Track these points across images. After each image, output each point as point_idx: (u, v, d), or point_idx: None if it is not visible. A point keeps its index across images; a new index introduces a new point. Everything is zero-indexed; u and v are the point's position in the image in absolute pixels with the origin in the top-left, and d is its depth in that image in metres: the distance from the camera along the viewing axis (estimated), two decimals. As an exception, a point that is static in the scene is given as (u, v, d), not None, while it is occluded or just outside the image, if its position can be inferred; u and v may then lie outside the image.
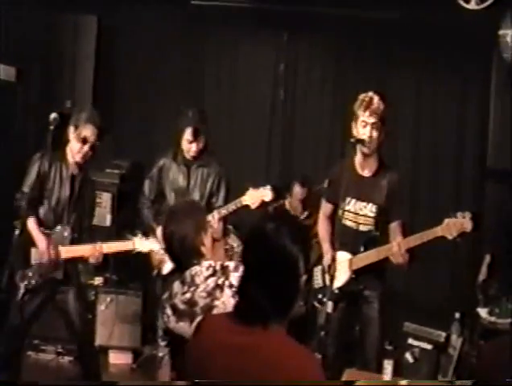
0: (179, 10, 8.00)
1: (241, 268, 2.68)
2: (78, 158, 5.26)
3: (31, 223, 5.19)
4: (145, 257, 5.75)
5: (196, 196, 5.83)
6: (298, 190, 6.95)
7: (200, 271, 3.87)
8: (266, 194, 5.59)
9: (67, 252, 5.25)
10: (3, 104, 7.09)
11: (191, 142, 5.81)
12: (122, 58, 8.23)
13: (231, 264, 3.93)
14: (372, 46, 7.85)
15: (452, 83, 7.59)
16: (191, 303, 3.83)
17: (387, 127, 5.02)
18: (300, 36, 8.00)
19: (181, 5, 7.90)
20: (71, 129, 5.24)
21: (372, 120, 4.93)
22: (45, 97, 7.40)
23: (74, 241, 5.30)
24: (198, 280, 3.85)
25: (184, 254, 3.95)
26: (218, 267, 3.89)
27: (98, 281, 6.92)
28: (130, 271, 7.01)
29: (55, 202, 5.29)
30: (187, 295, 3.85)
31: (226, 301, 3.79)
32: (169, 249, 4.02)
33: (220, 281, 3.85)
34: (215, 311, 3.77)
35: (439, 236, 4.65)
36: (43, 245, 5.17)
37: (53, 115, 5.05)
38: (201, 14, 7.93)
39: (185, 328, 3.77)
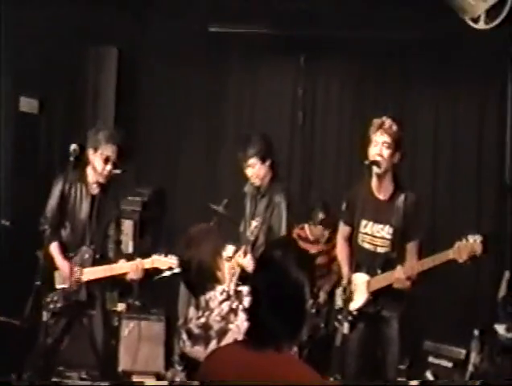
0: (197, 37, 8.10)
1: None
2: (102, 178, 5.33)
3: (54, 249, 5.28)
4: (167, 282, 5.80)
5: (255, 224, 5.65)
6: (320, 211, 6.89)
7: (215, 296, 3.93)
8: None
9: (90, 273, 5.32)
10: (27, 136, 7.24)
11: (253, 170, 5.71)
12: (144, 87, 8.34)
13: (244, 289, 3.98)
14: (389, 68, 7.88)
15: (470, 102, 7.60)
16: (205, 327, 3.89)
17: (403, 149, 5.05)
18: (317, 60, 8.04)
19: (200, 32, 8.00)
20: (90, 151, 5.29)
21: (383, 138, 4.97)
22: (68, 128, 7.50)
23: (96, 262, 5.36)
24: (212, 304, 3.90)
25: (200, 279, 4.00)
26: (232, 292, 3.95)
27: (121, 307, 7.00)
28: (153, 296, 7.08)
29: (76, 223, 5.35)
30: (202, 320, 3.91)
31: (240, 325, 3.84)
32: (185, 275, 4.08)
33: (234, 305, 3.90)
34: (229, 335, 3.83)
35: (451, 258, 4.68)
36: (65, 271, 5.26)
37: (73, 146, 5.10)
38: (219, 40, 8.04)
39: (200, 352, 3.83)
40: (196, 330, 3.90)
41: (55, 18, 7.20)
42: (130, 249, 7.13)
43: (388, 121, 5.01)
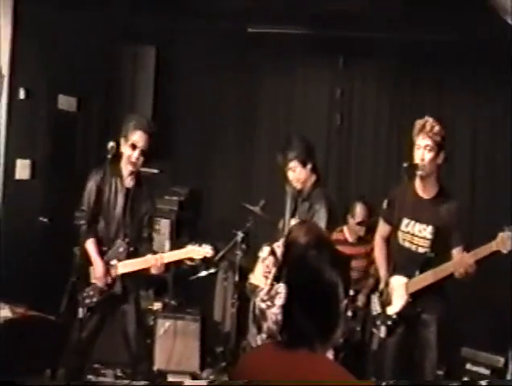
0: (236, 38, 8.10)
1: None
2: (131, 166, 5.31)
3: (90, 245, 5.28)
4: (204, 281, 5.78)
5: (295, 223, 5.58)
6: (359, 210, 6.83)
7: (281, 292, 3.84)
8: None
9: (124, 266, 5.33)
10: (65, 134, 7.27)
11: (294, 174, 5.60)
12: (180, 86, 8.33)
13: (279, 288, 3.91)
14: (426, 70, 7.80)
15: (507, 103, 7.48)
16: (263, 315, 3.84)
17: (446, 151, 5.00)
18: (356, 61, 8.02)
19: (238, 33, 8.00)
20: (122, 141, 5.29)
21: (425, 142, 4.92)
22: (105, 126, 7.53)
23: (130, 255, 5.36)
24: (277, 301, 3.83)
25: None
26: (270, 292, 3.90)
27: (157, 306, 7.02)
28: (189, 295, 7.09)
29: (111, 217, 5.35)
30: (263, 305, 3.86)
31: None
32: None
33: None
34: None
35: (494, 250, 4.60)
36: (99, 270, 5.27)
37: (111, 144, 5.09)
38: (258, 41, 8.03)
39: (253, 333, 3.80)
40: (257, 311, 3.87)
41: (94, 18, 7.21)
42: (167, 248, 7.14)
43: (430, 122, 4.95)
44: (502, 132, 7.52)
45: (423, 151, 4.93)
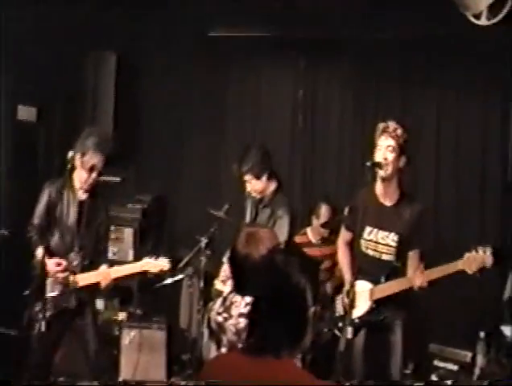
0: (197, 43, 8.04)
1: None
2: (86, 186, 5.26)
3: (40, 252, 5.17)
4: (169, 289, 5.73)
5: None
6: (324, 211, 6.88)
7: (240, 303, 3.78)
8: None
9: (78, 280, 5.26)
10: (25, 145, 7.19)
11: (250, 185, 5.63)
12: (143, 92, 8.29)
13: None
14: (390, 70, 7.78)
15: (472, 102, 7.49)
16: (221, 328, 3.79)
17: (407, 154, 4.98)
18: (318, 62, 8.00)
19: (200, 37, 7.95)
20: (77, 155, 5.20)
21: (387, 143, 4.92)
22: (66, 136, 7.43)
23: (86, 268, 5.30)
24: (233, 311, 3.77)
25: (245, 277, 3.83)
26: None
27: (122, 316, 6.95)
28: (154, 304, 7.03)
29: (65, 230, 5.28)
30: (219, 318, 3.81)
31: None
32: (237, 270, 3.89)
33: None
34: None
35: (459, 269, 4.63)
36: (52, 267, 5.17)
37: (70, 153, 5.09)
38: (219, 45, 7.99)
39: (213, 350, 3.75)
40: (213, 324, 3.81)
41: (52, 24, 7.14)
42: (130, 258, 7.08)
43: (392, 125, 4.97)
44: (467, 130, 7.51)
45: (385, 151, 4.93)
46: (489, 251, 4.55)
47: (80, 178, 5.26)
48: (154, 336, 6.67)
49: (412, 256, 4.97)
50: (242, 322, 3.68)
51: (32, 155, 7.36)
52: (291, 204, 5.64)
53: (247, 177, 5.58)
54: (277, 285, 2.64)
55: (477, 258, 4.56)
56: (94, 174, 5.23)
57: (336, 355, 5.38)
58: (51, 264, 5.18)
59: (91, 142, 5.23)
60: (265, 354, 2.58)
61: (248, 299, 3.68)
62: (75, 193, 5.31)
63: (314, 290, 2.64)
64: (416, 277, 4.78)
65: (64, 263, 5.22)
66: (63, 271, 5.21)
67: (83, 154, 5.20)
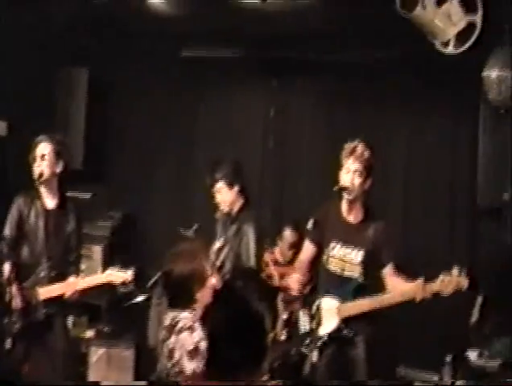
0: (170, 62, 8.05)
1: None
2: (40, 177, 5.31)
3: (6, 268, 5.16)
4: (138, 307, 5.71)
5: (218, 246, 5.64)
6: (288, 234, 6.91)
7: (185, 318, 3.79)
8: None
9: (44, 292, 5.25)
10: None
11: (220, 195, 5.66)
12: (114, 109, 8.26)
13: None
14: (362, 91, 7.80)
15: (442, 126, 7.55)
16: (170, 353, 3.78)
17: (374, 175, 5.03)
18: (289, 82, 8.00)
19: (171, 57, 7.96)
20: (33, 164, 5.39)
21: (355, 166, 4.95)
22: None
23: (54, 279, 5.29)
24: (177, 353, 3.76)
25: (181, 295, 3.87)
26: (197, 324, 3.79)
27: (90, 333, 6.90)
28: (123, 322, 6.99)
29: (35, 242, 5.30)
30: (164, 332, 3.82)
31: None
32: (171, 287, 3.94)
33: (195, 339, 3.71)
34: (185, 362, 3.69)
35: (434, 291, 4.63)
36: (13, 291, 5.14)
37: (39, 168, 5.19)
38: (192, 65, 7.99)
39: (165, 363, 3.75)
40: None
41: (24, 38, 7.11)
42: (99, 275, 7.03)
43: (360, 147, 4.99)
44: (437, 154, 7.57)
45: (352, 176, 4.96)
46: (464, 272, 4.56)
47: (36, 170, 5.33)
48: (122, 354, 6.66)
49: (388, 272, 4.97)
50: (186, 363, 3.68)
51: (2, 169, 7.29)
52: (258, 220, 5.68)
53: (219, 185, 5.61)
54: (235, 311, 2.66)
55: (453, 281, 4.56)
56: (45, 163, 5.31)
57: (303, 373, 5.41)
58: (13, 287, 5.15)
59: (36, 141, 5.40)
60: (224, 379, 2.58)
61: (196, 337, 3.68)
62: (42, 202, 5.36)
63: (272, 316, 2.67)
64: (418, 289, 4.72)
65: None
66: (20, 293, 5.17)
67: (33, 156, 5.33)
